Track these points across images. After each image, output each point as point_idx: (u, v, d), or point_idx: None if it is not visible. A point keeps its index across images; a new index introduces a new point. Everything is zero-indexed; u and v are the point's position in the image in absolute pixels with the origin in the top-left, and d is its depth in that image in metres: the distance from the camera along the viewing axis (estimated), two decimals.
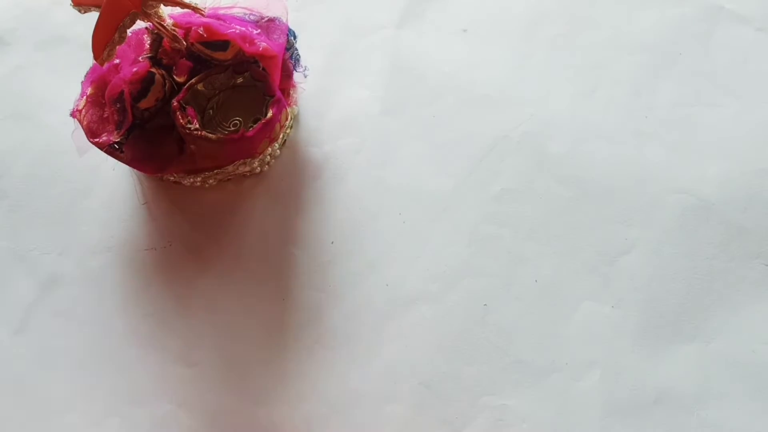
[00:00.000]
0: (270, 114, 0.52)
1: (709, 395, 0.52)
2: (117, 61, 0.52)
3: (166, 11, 0.51)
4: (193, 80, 0.52)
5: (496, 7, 0.63)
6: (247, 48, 0.52)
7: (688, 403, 0.52)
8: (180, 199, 0.59)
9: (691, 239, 0.56)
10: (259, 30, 0.53)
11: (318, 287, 0.56)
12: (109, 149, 0.53)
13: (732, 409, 0.51)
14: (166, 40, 0.52)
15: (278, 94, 0.53)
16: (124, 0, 0.47)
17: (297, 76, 0.57)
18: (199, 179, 0.56)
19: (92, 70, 0.54)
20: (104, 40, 0.48)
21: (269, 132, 0.53)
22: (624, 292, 0.55)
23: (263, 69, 0.53)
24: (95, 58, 0.49)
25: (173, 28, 0.51)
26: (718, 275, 0.55)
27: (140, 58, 0.52)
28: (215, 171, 0.55)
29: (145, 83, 0.51)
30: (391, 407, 0.53)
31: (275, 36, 0.53)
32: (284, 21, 0.54)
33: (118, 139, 0.52)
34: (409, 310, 0.56)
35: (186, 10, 0.50)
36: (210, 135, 0.51)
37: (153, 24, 0.49)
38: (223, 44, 0.52)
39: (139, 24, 0.51)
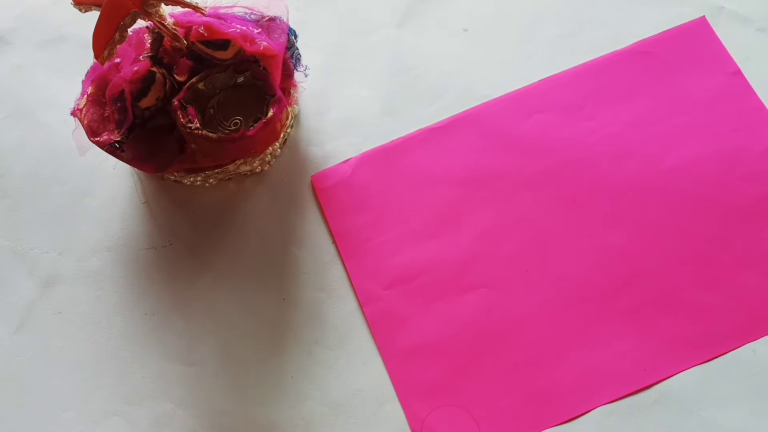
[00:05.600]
0: (271, 113, 0.52)
1: (709, 395, 0.52)
2: (118, 60, 0.52)
3: (167, 10, 0.51)
4: (193, 79, 0.52)
5: (496, 7, 0.63)
6: (247, 47, 0.52)
7: (688, 403, 0.52)
8: (180, 198, 0.59)
9: None
10: (259, 29, 0.53)
11: (318, 287, 0.56)
12: (110, 148, 0.53)
13: (732, 409, 0.52)
14: (166, 39, 0.52)
15: (279, 93, 0.53)
16: None
17: (298, 76, 0.57)
18: (199, 178, 0.56)
19: (93, 69, 0.54)
20: (105, 39, 0.48)
21: (270, 131, 0.53)
22: None
23: (264, 68, 0.53)
24: (96, 57, 0.49)
25: (174, 27, 0.51)
26: None
27: (141, 57, 0.52)
28: (216, 170, 0.55)
29: (145, 82, 0.51)
30: (391, 407, 0.53)
31: (276, 35, 0.53)
32: (285, 20, 0.54)
33: (119, 138, 0.52)
34: None
35: (187, 9, 0.50)
36: (210, 134, 0.51)
37: (154, 23, 0.49)
38: (224, 43, 0.52)
39: (140, 23, 0.51)
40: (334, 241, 0.57)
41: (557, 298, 0.54)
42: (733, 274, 0.54)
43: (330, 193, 0.58)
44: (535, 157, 0.58)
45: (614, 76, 0.60)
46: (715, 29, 0.61)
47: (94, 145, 0.53)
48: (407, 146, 0.59)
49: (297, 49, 0.56)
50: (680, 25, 0.61)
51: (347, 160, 0.59)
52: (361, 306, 0.55)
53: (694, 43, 0.60)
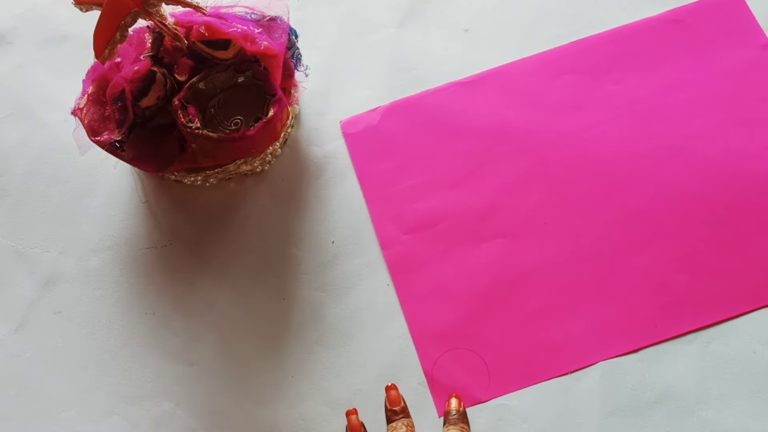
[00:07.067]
0: (271, 113, 0.52)
1: (709, 395, 0.52)
2: (118, 59, 0.53)
3: (168, 10, 0.51)
4: (194, 79, 0.52)
5: (497, 7, 0.63)
6: (248, 47, 0.52)
7: (688, 403, 0.52)
8: (181, 197, 0.59)
9: None
10: (260, 29, 0.53)
11: (318, 287, 0.56)
12: (110, 148, 0.53)
13: (732, 409, 0.52)
14: (167, 39, 0.52)
15: (279, 93, 0.53)
16: None
17: (298, 75, 0.57)
18: (200, 178, 0.56)
19: (93, 68, 0.54)
20: (106, 39, 0.48)
21: (270, 131, 0.53)
22: None
23: (264, 68, 0.53)
24: (96, 56, 0.49)
25: (174, 26, 0.51)
26: None
27: (141, 57, 0.52)
28: (216, 170, 0.55)
29: (146, 82, 0.52)
30: None
31: (276, 35, 0.53)
32: (285, 20, 0.54)
33: (120, 138, 0.52)
34: None
35: (187, 8, 0.50)
36: (211, 134, 0.51)
37: (154, 23, 0.49)
38: (225, 43, 0.52)
39: (141, 23, 0.51)
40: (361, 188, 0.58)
41: (574, 252, 0.56)
42: (750, 239, 0.55)
43: (357, 138, 0.59)
44: (561, 116, 0.59)
45: (644, 43, 0.61)
46: (747, 1, 0.61)
47: (94, 144, 0.53)
48: (435, 98, 0.60)
49: (298, 48, 0.56)
50: None
51: (375, 109, 0.60)
52: (381, 249, 0.56)
53: (726, 14, 0.61)
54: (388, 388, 0.50)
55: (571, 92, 0.60)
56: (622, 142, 0.58)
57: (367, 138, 0.59)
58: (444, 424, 0.50)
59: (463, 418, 0.50)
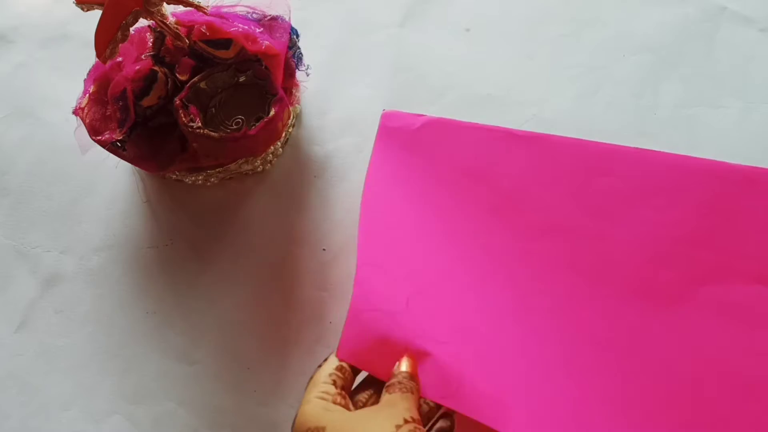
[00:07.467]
0: (272, 112, 0.52)
1: None
2: (120, 59, 0.53)
3: (169, 9, 0.51)
4: (195, 78, 0.52)
5: (499, 7, 0.63)
6: (249, 46, 0.52)
7: None
8: (182, 197, 0.59)
9: None
10: (261, 28, 0.53)
11: (319, 286, 0.56)
12: (112, 147, 0.53)
13: None
14: (168, 38, 0.52)
15: (281, 92, 0.53)
16: None
17: (299, 75, 0.57)
18: (201, 177, 0.56)
19: (95, 67, 0.54)
20: (107, 38, 0.48)
21: (271, 131, 0.53)
22: None
23: (266, 67, 0.53)
24: (98, 55, 0.49)
25: (176, 26, 0.51)
26: None
27: (143, 56, 0.52)
28: (217, 169, 0.56)
29: (147, 81, 0.52)
30: None
31: (278, 34, 0.53)
32: (287, 19, 0.54)
33: (121, 137, 0.52)
34: None
35: (189, 8, 0.50)
36: (212, 133, 0.51)
37: (156, 22, 0.49)
38: (226, 42, 0.52)
39: (142, 22, 0.51)
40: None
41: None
42: None
43: (390, 131, 0.56)
44: (585, 216, 0.54)
45: (707, 186, 0.54)
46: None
47: (95, 143, 0.53)
48: (478, 135, 0.56)
49: (299, 48, 0.56)
50: None
51: (421, 115, 0.56)
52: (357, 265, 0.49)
53: None
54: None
55: (607, 199, 0.54)
56: (633, 286, 0.51)
57: (398, 138, 0.55)
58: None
59: (410, 377, 0.43)
